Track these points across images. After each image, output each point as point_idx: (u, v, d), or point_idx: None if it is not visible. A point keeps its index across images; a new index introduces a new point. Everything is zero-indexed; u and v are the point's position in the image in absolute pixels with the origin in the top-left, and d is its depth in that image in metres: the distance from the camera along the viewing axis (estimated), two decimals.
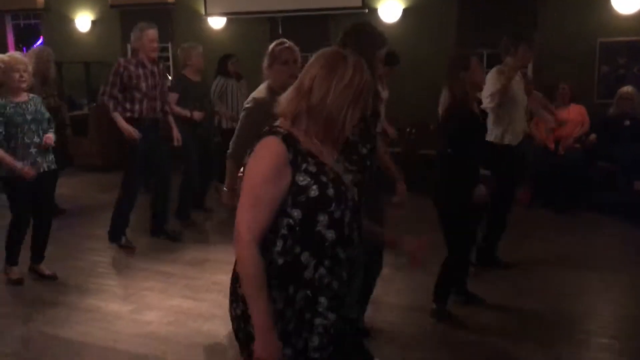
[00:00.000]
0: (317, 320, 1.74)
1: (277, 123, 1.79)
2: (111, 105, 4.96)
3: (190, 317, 3.92)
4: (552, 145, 6.35)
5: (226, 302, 1.88)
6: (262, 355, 1.67)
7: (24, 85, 4.25)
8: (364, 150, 2.84)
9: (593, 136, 6.27)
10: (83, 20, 9.25)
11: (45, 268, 4.55)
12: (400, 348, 3.43)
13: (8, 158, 4.14)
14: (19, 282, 4.41)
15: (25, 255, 4.52)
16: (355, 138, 2.76)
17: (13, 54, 4.54)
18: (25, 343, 3.61)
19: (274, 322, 1.69)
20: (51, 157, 4.42)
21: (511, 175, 4.47)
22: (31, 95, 4.40)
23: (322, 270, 1.73)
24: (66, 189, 6.24)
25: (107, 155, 8.20)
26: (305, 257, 1.72)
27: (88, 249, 5.32)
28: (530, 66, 6.27)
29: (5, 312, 4.04)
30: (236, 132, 3.31)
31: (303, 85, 1.76)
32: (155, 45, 5.08)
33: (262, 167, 1.70)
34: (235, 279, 1.80)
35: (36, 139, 4.29)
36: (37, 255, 4.55)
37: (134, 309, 4.06)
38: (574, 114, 6.42)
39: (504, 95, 4.26)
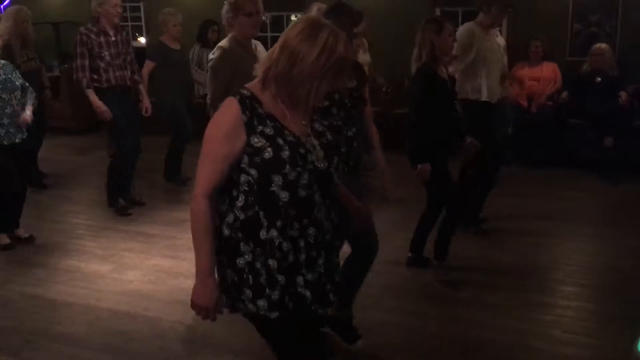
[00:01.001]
0: (269, 278, 1.82)
1: (248, 84, 1.83)
2: (84, 82, 4.80)
3: (171, 275, 3.98)
4: (524, 103, 6.44)
5: None
6: (197, 300, 1.85)
7: None
8: (349, 133, 2.80)
9: (565, 94, 6.37)
10: None
11: (22, 231, 4.55)
12: (378, 298, 3.54)
13: None
14: (9, 247, 4.40)
15: None
16: (333, 106, 2.71)
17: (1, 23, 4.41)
18: (4, 304, 3.64)
19: (213, 269, 1.84)
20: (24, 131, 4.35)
21: (492, 133, 4.48)
22: (2, 62, 4.30)
23: (273, 232, 1.80)
24: (41, 152, 6.17)
25: (80, 118, 8.11)
26: (261, 215, 1.80)
27: (66, 211, 5.32)
28: (505, 23, 6.31)
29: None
30: (208, 86, 3.32)
31: (275, 49, 1.78)
32: (119, 10, 4.91)
33: (218, 127, 1.79)
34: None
35: (8, 109, 4.22)
36: (12, 221, 4.52)
37: (114, 268, 4.11)
38: (547, 72, 6.51)
39: (462, 62, 4.34)
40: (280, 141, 1.77)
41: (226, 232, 1.83)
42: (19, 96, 4.33)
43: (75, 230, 4.83)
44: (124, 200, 5.23)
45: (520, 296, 3.62)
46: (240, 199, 1.82)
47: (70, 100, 8.15)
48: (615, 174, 5.78)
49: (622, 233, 4.53)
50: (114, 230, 4.81)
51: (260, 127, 1.76)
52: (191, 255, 4.10)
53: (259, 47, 3.57)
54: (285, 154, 1.76)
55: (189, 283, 3.75)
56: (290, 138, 1.79)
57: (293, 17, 8.21)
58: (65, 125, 8.09)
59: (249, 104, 1.77)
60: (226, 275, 1.87)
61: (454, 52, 4.10)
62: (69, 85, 8.18)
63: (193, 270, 3.57)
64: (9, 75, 4.29)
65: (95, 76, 4.84)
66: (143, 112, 5.25)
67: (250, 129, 1.76)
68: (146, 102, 5.25)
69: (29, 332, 3.29)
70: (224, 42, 3.34)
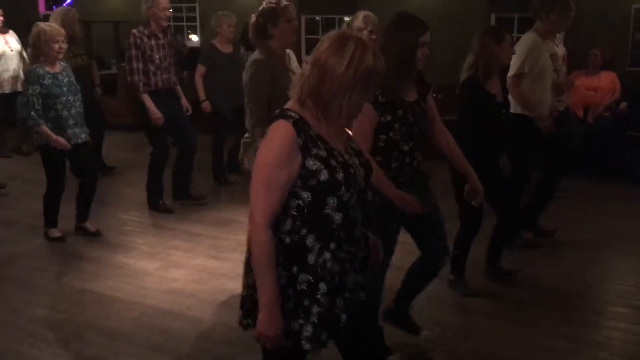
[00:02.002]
0: (315, 309, 1.80)
1: (288, 106, 1.82)
2: (141, 86, 4.91)
3: (214, 275, 4.04)
4: (580, 113, 6.25)
5: None
6: (264, 332, 1.77)
7: (60, 56, 4.36)
8: (405, 147, 2.72)
9: (624, 104, 6.14)
10: None
11: (90, 225, 4.73)
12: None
13: (44, 129, 4.24)
14: (59, 239, 4.59)
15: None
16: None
17: (52, 24, 4.59)
18: (56, 295, 3.79)
19: (280, 300, 1.77)
20: (86, 128, 4.52)
21: (555, 143, 4.29)
22: (63, 64, 4.47)
23: (326, 255, 1.79)
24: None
25: (136, 115, 8.31)
26: (310, 240, 1.78)
27: (118, 206, 5.48)
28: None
29: (41, 265, 4.23)
30: (249, 101, 3.29)
31: (307, 67, 1.79)
32: (168, 13, 4.98)
33: (273, 152, 1.74)
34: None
35: (72, 110, 4.38)
36: (81, 214, 4.71)
37: (160, 266, 4.21)
38: (605, 81, 6.29)
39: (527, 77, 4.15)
40: (333, 162, 1.76)
41: None
42: (80, 97, 4.49)
43: (125, 226, 4.97)
44: (184, 197, 5.40)
45: (567, 314, 3.51)
46: (287, 223, 1.79)
47: (127, 97, 8.38)
48: None
49: None
50: (162, 228, 4.92)
51: (314, 150, 1.75)
52: (235, 257, 4.25)
53: (291, 56, 3.54)
54: (340, 175, 1.76)
55: (231, 285, 3.89)
56: (340, 159, 1.79)
57: (346, 19, 8.21)
58: (122, 122, 8.33)
59: (301, 127, 1.75)
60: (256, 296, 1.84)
61: (516, 68, 4.02)
62: (126, 82, 8.44)
63: (236, 271, 3.63)
64: (72, 78, 4.46)
65: (144, 78, 4.93)
66: (184, 112, 5.32)
67: (305, 152, 1.74)
68: (184, 102, 5.32)
69: (78, 325, 3.41)
70: (258, 55, 3.30)
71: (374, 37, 3.87)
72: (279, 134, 1.74)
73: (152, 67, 4.93)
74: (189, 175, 5.51)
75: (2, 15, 6.78)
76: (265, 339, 1.80)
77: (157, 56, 4.93)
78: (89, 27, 8.89)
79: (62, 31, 4.39)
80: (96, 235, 4.68)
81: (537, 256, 4.32)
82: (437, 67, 6.60)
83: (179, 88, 5.32)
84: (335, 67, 1.72)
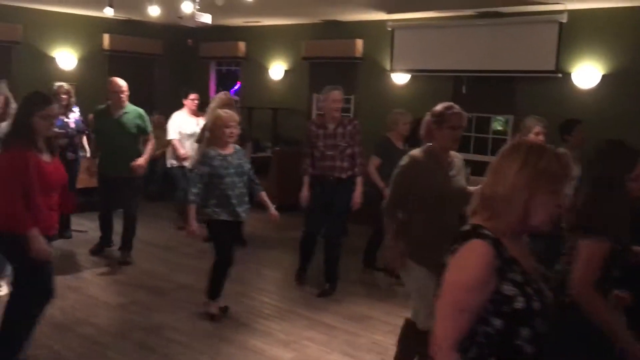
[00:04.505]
0: None
1: (475, 222, 1.73)
2: (303, 168, 5.29)
3: None
4: None
5: None
6: None
7: (232, 140, 4.65)
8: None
9: None
10: (277, 70, 9.95)
11: (214, 305, 4.76)
12: None
13: (192, 210, 4.49)
14: (212, 317, 4.68)
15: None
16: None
17: (228, 110, 4.88)
18: None
19: None
20: (247, 206, 4.73)
21: None
22: (236, 147, 4.74)
23: None
24: (245, 226, 6.63)
25: (284, 196, 8.62)
26: None
27: (258, 288, 5.58)
28: None
29: (182, 340, 4.34)
30: (391, 189, 3.40)
31: (488, 179, 1.74)
32: (338, 105, 5.23)
33: (469, 275, 1.62)
34: None
35: (236, 190, 4.60)
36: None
37: (294, 356, 4.14)
38: None
39: None
40: (529, 289, 1.63)
41: None
42: (245, 179, 4.72)
43: (264, 309, 5.01)
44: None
45: None
46: (472, 350, 1.65)
47: (277, 178, 8.75)
48: None
49: None
50: (298, 316, 4.89)
51: (510, 274, 1.63)
52: (369, 357, 4.07)
53: (456, 160, 3.49)
54: (537, 304, 1.63)
55: None
56: (535, 285, 1.66)
57: (499, 118, 8.05)
58: (271, 202, 8.64)
59: (498, 247, 1.64)
60: None
61: None
62: (277, 165, 8.86)
63: None
64: (242, 160, 4.72)
65: (309, 161, 5.26)
66: (344, 202, 5.31)
67: (501, 276, 1.62)
68: (356, 194, 5.29)
69: None
70: (417, 152, 3.38)
71: (541, 137, 3.79)
72: (476, 254, 1.63)
73: (316, 154, 5.22)
74: (327, 264, 5.47)
75: (198, 99, 7.49)
76: None
77: (320, 144, 5.19)
78: (250, 113, 9.56)
79: (236, 117, 4.68)
80: (223, 310, 4.75)
81: None
82: None
83: (359, 179, 5.34)
84: (509, 169, 1.67)
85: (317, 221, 5.39)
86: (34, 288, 3.54)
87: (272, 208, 4.86)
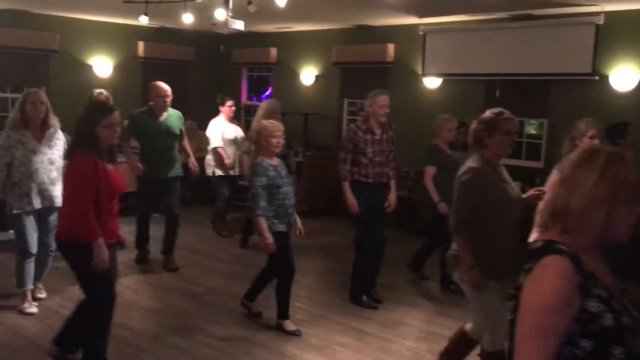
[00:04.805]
0: None
1: (547, 237, 1.61)
2: (342, 174, 5.11)
3: None
4: None
5: None
6: None
7: (278, 150, 4.56)
8: None
9: None
10: (308, 75, 9.98)
11: (289, 323, 4.65)
12: None
13: (262, 223, 4.38)
14: (257, 315, 4.78)
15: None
16: None
17: (273, 121, 4.85)
18: None
19: None
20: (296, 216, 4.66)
21: None
22: (277, 158, 4.68)
23: None
24: None
25: (315, 202, 8.65)
26: None
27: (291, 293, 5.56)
28: None
29: (217, 345, 4.36)
30: (455, 206, 3.29)
31: (559, 191, 1.62)
32: (386, 110, 5.10)
33: (549, 294, 1.49)
34: None
35: (291, 200, 4.56)
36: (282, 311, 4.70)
37: None
38: None
39: None
40: (616, 305, 1.51)
41: None
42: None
43: (296, 314, 4.99)
44: (367, 296, 5.25)
45: None
46: None
47: (308, 184, 8.77)
48: None
49: None
50: (331, 321, 4.88)
51: (594, 289, 1.51)
52: None
53: (502, 168, 3.44)
54: (627, 320, 1.50)
55: None
56: (619, 300, 1.55)
57: (532, 122, 7.94)
58: (300, 208, 8.65)
59: (576, 263, 1.52)
60: None
61: None
62: (308, 170, 8.88)
63: None
64: (285, 170, 4.65)
65: (356, 169, 5.10)
66: (385, 206, 5.23)
67: (585, 292, 1.50)
68: (391, 197, 5.25)
69: None
70: (473, 162, 3.28)
71: (596, 141, 3.66)
72: (554, 271, 1.50)
73: (364, 160, 5.08)
74: (373, 271, 5.35)
75: (235, 106, 7.53)
76: None
77: (370, 150, 5.07)
78: (283, 118, 9.59)
79: (281, 127, 4.61)
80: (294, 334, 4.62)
81: None
82: None
83: (393, 183, 5.33)
84: (585, 180, 1.55)
85: (371, 233, 5.19)
86: (102, 293, 3.61)
87: (300, 222, 4.73)
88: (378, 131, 5.11)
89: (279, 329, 4.61)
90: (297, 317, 4.93)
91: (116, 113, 3.63)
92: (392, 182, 5.31)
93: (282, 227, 4.49)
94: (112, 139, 3.61)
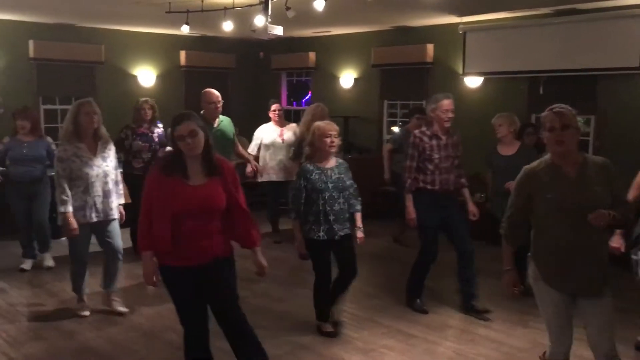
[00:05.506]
0: None
1: None
2: (407, 184, 4.97)
3: None
4: None
5: None
6: None
7: (333, 150, 4.38)
8: None
9: None
10: (347, 78, 9.98)
11: (327, 325, 4.65)
12: None
13: (296, 225, 4.37)
14: (329, 334, 4.56)
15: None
16: None
17: (328, 121, 4.62)
18: None
19: None
20: (347, 224, 4.50)
21: None
22: (339, 161, 4.55)
23: None
24: None
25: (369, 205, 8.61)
26: None
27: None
28: None
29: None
30: (508, 209, 3.23)
31: None
32: (450, 115, 4.88)
33: None
34: None
35: (335, 207, 4.37)
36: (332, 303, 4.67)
37: None
38: None
39: None
40: None
41: None
42: (346, 195, 4.48)
43: (342, 317, 5.00)
44: (468, 309, 5.10)
45: None
46: None
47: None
48: None
49: None
50: (377, 324, 4.86)
51: None
52: None
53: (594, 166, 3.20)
54: None
55: None
56: None
57: (579, 118, 7.73)
58: None
59: None
60: None
61: None
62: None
63: None
64: (342, 175, 4.48)
65: (421, 176, 4.94)
66: (470, 217, 5.06)
67: None
68: (471, 207, 5.07)
69: None
70: (534, 163, 3.20)
71: None
72: None
73: (430, 167, 4.91)
74: (470, 282, 5.10)
75: (280, 110, 7.57)
76: None
77: (436, 156, 4.90)
78: None
79: (335, 126, 4.40)
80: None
81: None
82: None
83: (465, 191, 5.16)
84: None
85: (436, 243, 5.01)
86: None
87: (360, 231, 4.61)
88: (443, 136, 4.93)
89: (317, 330, 4.63)
90: (343, 321, 4.92)
91: (184, 124, 3.20)
92: (466, 190, 5.14)
93: (320, 235, 4.37)
94: (189, 149, 3.21)
